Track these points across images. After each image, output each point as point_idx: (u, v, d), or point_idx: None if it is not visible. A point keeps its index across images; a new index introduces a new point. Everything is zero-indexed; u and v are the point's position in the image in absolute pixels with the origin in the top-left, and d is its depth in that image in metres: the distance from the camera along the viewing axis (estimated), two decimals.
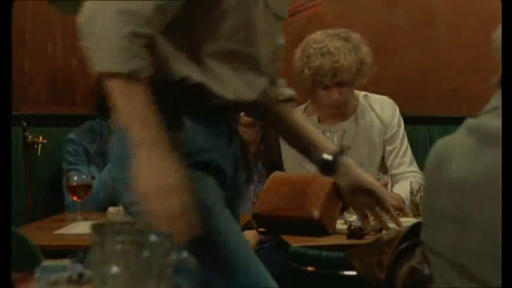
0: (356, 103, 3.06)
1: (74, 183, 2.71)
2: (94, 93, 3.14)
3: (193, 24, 1.53)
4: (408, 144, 3.11)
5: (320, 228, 2.32)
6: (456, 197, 1.24)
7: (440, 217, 1.27)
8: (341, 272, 2.07)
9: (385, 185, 2.20)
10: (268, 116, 1.88)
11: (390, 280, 1.54)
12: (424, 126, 3.53)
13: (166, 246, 1.01)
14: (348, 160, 1.87)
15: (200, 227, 1.39)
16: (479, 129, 1.27)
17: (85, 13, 1.44)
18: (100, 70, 1.45)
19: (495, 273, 1.14)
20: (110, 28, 1.40)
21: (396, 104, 3.15)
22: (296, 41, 2.97)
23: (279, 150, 3.10)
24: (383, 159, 3.10)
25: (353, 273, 1.98)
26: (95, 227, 1.01)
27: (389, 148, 3.09)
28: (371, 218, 2.05)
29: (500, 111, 1.23)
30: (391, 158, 3.08)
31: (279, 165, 3.06)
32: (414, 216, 2.54)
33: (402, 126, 3.12)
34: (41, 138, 3.31)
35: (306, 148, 1.88)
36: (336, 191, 2.34)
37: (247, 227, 2.52)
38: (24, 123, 3.33)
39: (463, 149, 1.27)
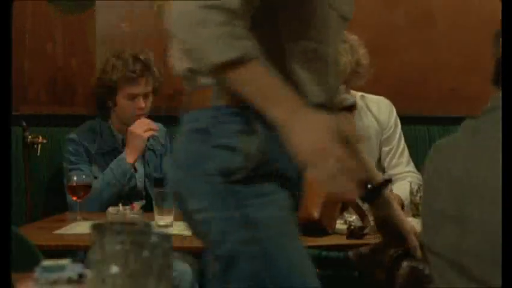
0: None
1: (74, 183, 2.71)
2: (94, 93, 3.14)
3: (276, 24, 1.46)
4: (405, 145, 3.12)
5: (320, 228, 2.32)
6: (456, 197, 1.24)
7: (439, 217, 1.27)
8: (340, 272, 2.07)
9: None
10: None
11: (390, 280, 1.54)
12: (424, 126, 3.53)
13: (165, 246, 1.01)
14: (389, 194, 1.78)
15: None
16: (478, 130, 1.27)
17: (176, 20, 1.40)
18: (211, 64, 1.36)
19: (495, 273, 1.14)
20: (205, 22, 1.33)
21: (396, 104, 3.15)
22: None
23: None
24: (379, 160, 3.10)
25: (353, 273, 1.99)
26: (95, 227, 1.01)
27: (386, 149, 3.09)
28: (370, 218, 2.05)
29: (499, 111, 1.23)
30: (388, 158, 3.08)
31: None
32: (414, 216, 2.54)
33: (399, 126, 3.12)
34: (40, 138, 3.31)
35: None
36: None
37: None
38: (24, 123, 3.33)
39: (462, 149, 1.27)
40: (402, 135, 3.11)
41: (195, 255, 2.60)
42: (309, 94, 1.47)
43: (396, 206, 1.71)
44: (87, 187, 2.73)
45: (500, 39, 1.30)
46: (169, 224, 2.48)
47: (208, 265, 1.53)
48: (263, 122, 1.39)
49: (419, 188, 2.61)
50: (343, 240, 2.25)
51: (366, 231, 2.19)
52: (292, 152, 1.32)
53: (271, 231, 1.39)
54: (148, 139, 3.16)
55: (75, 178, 2.73)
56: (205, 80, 1.46)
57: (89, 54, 3.62)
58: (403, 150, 3.09)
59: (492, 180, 1.18)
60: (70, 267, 1.18)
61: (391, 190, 2.84)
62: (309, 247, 2.17)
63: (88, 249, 1.01)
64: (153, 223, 2.39)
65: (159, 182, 3.16)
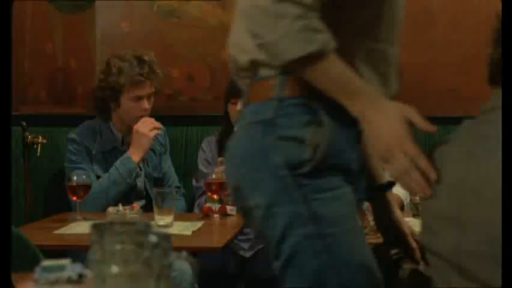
0: None
1: (74, 183, 2.71)
2: (96, 95, 3.13)
3: (342, 21, 1.43)
4: None
5: None
6: (455, 198, 1.24)
7: (439, 218, 1.27)
8: None
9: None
10: None
11: (390, 281, 1.53)
12: None
13: (165, 246, 1.01)
14: (389, 194, 1.77)
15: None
16: (478, 130, 1.27)
17: (248, 13, 1.39)
18: (290, 58, 1.35)
19: (495, 273, 1.14)
20: (281, 16, 1.32)
21: None
22: None
23: None
24: None
25: None
26: (95, 227, 1.01)
27: None
28: (370, 218, 2.05)
29: (498, 111, 1.23)
30: None
31: None
32: (414, 216, 2.54)
33: None
34: (40, 138, 3.31)
35: None
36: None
37: None
38: (24, 123, 3.33)
39: (461, 149, 1.27)
40: None
41: (195, 255, 2.60)
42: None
43: (396, 207, 1.71)
44: (87, 187, 2.73)
45: (496, 39, 1.31)
46: (169, 223, 2.48)
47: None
48: (329, 113, 1.38)
49: None
50: None
51: (366, 231, 2.19)
52: (370, 145, 1.33)
53: (337, 227, 1.38)
54: (152, 147, 3.17)
55: (75, 178, 2.72)
56: (266, 72, 1.44)
57: (89, 54, 3.62)
58: None
59: (492, 181, 1.18)
60: (70, 267, 1.18)
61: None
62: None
63: (88, 249, 1.01)
64: (153, 223, 2.39)
65: (159, 182, 3.16)
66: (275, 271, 1.45)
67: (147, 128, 3.02)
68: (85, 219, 2.64)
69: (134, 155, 3.02)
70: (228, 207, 2.82)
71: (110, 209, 2.64)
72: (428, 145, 1.35)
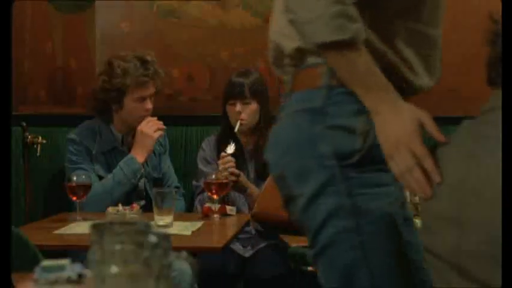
0: None
1: (74, 184, 2.71)
2: (98, 96, 3.12)
3: (386, 3, 1.41)
4: None
5: None
6: (455, 198, 1.24)
7: (439, 219, 1.27)
8: None
9: None
10: None
11: None
12: None
13: (165, 246, 1.01)
14: None
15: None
16: (477, 130, 1.27)
17: None
18: (315, 42, 1.33)
19: (495, 274, 1.14)
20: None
21: None
22: None
23: None
24: None
25: None
26: (94, 227, 1.01)
27: None
28: None
29: (498, 111, 1.23)
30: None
31: (267, 167, 3.09)
32: (413, 216, 2.53)
33: None
34: (40, 138, 3.31)
35: None
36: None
37: None
38: (24, 123, 3.33)
39: (461, 150, 1.27)
40: None
41: (194, 255, 2.60)
42: (416, 77, 1.45)
43: None
44: (87, 187, 2.73)
45: (491, 39, 1.31)
46: (169, 224, 2.48)
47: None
48: None
49: None
50: None
51: None
52: (379, 140, 1.31)
53: (376, 225, 1.36)
54: None
55: (74, 178, 2.72)
56: (314, 59, 1.42)
57: (89, 54, 3.62)
58: None
59: (492, 181, 1.18)
60: (70, 267, 1.18)
61: None
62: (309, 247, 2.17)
63: (87, 250, 1.01)
64: (153, 223, 2.39)
65: (158, 182, 3.16)
66: (309, 260, 1.45)
67: (151, 128, 3.02)
68: (84, 219, 2.64)
69: (138, 155, 3.02)
70: (228, 207, 2.82)
71: (110, 209, 2.64)
72: (428, 145, 1.35)
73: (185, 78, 3.62)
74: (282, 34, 1.48)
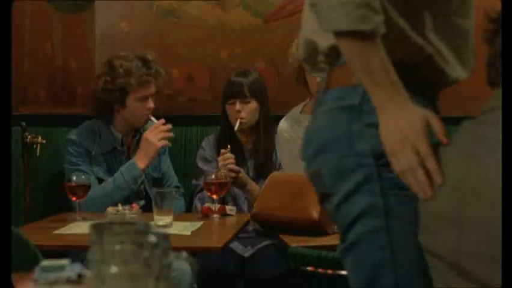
0: None
1: (73, 184, 2.71)
2: (99, 97, 3.11)
3: None
4: None
5: (319, 228, 2.32)
6: (455, 198, 1.24)
7: (439, 219, 1.26)
8: (339, 272, 2.07)
9: None
10: None
11: None
12: None
13: (165, 246, 1.01)
14: None
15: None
16: (477, 130, 1.27)
17: None
18: (335, 29, 1.33)
19: (495, 274, 1.14)
20: None
21: None
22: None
23: (267, 152, 3.13)
24: None
25: None
26: (94, 227, 1.01)
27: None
28: None
29: (498, 111, 1.23)
30: None
31: (266, 165, 3.09)
32: None
33: None
34: (40, 138, 3.31)
35: None
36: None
37: None
38: (24, 124, 3.33)
39: (461, 150, 1.27)
40: None
41: (194, 255, 2.60)
42: (450, 69, 1.44)
43: None
44: (86, 187, 2.73)
45: (487, 38, 1.31)
46: (168, 224, 2.48)
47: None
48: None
49: None
50: None
51: None
52: (382, 136, 1.31)
53: (405, 227, 1.35)
54: None
55: (74, 178, 2.72)
56: None
57: (89, 54, 3.62)
58: None
59: (491, 181, 1.17)
60: (69, 268, 1.18)
61: None
62: (309, 247, 2.17)
63: (87, 250, 1.01)
64: (152, 223, 2.39)
65: (158, 182, 3.16)
66: (337, 255, 1.46)
67: (156, 136, 3.02)
68: (84, 219, 2.65)
69: (140, 161, 3.02)
70: (228, 207, 2.82)
71: (110, 209, 2.64)
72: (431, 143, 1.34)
73: (185, 78, 3.62)
74: (315, 32, 1.47)
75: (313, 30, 1.48)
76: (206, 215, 2.74)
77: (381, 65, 1.31)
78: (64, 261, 1.19)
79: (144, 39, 3.57)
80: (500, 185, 1.15)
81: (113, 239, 0.99)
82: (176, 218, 2.56)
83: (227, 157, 2.99)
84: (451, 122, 1.88)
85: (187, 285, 2.54)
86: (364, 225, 1.39)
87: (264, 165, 3.14)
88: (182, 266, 2.45)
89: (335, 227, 2.37)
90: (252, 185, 3.06)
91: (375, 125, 1.34)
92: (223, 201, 2.95)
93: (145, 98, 3.05)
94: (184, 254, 1.07)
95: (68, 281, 1.16)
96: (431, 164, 1.28)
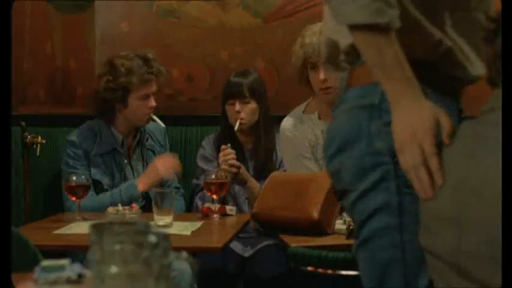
0: None
1: (73, 184, 2.71)
2: (99, 96, 3.11)
3: None
4: None
5: (319, 228, 2.32)
6: (455, 199, 1.24)
7: (439, 219, 1.26)
8: (340, 272, 2.07)
9: None
10: None
11: None
12: None
13: (165, 246, 1.01)
14: None
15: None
16: (477, 131, 1.26)
17: None
18: (350, 23, 1.34)
19: (495, 274, 1.14)
20: None
21: None
22: (295, 41, 2.98)
23: (267, 152, 3.13)
24: None
25: (352, 272, 1.99)
26: (94, 227, 1.01)
27: None
28: None
29: (498, 111, 1.23)
30: None
31: (267, 165, 3.10)
32: None
33: None
34: (40, 138, 3.31)
35: None
36: (335, 192, 2.34)
37: None
38: (23, 123, 3.33)
39: (461, 150, 1.27)
40: None
41: (194, 255, 2.60)
42: (471, 66, 1.44)
43: None
44: (86, 187, 2.73)
45: (485, 38, 1.31)
46: (168, 224, 2.48)
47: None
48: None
49: None
50: (342, 240, 2.25)
51: None
52: (394, 130, 1.31)
53: (417, 226, 1.35)
54: (147, 139, 3.18)
55: (74, 178, 2.72)
56: None
57: (89, 54, 3.62)
58: None
59: (491, 181, 1.17)
60: (69, 268, 1.18)
61: None
62: (309, 247, 2.17)
63: (87, 250, 1.01)
64: (152, 223, 2.39)
65: (158, 182, 3.16)
66: (353, 251, 1.47)
67: (163, 165, 3.04)
68: (84, 219, 2.65)
69: (141, 183, 3.02)
70: (228, 207, 2.82)
71: (110, 209, 2.64)
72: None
73: (185, 78, 3.62)
74: (336, 30, 1.48)
75: (334, 29, 1.49)
76: (206, 215, 2.74)
77: (395, 59, 1.32)
78: (64, 261, 1.19)
79: (144, 39, 3.57)
80: (500, 185, 1.15)
81: (113, 239, 0.99)
82: (176, 218, 2.56)
83: (228, 152, 2.99)
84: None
85: (187, 285, 2.54)
86: (378, 221, 1.40)
87: (264, 165, 3.14)
88: (182, 266, 2.45)
89: (335, 227, 2.37)
90: (253, 182, 3.07)
91: None
92: (223, 201, 2.95)
93: (146, 97, 3.05)
94: (184, 254, 1.07)
95: (68, 281, 1.16)
96: (434, 163, 1.28)
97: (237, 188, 3.12)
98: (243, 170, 3.03)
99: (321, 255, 2.09)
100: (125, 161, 3.10)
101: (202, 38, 3.59)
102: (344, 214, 2.41)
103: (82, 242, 2.24)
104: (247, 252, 3.05)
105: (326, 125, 2.91)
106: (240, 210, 3.03)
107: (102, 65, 3.15)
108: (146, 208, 2.89)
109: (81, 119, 3.23)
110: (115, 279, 0.98)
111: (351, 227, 2.25)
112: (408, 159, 1.31)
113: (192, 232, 2.44)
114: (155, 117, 3.10)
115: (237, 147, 3.10)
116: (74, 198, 2.71)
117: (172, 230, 2.41)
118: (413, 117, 1.31)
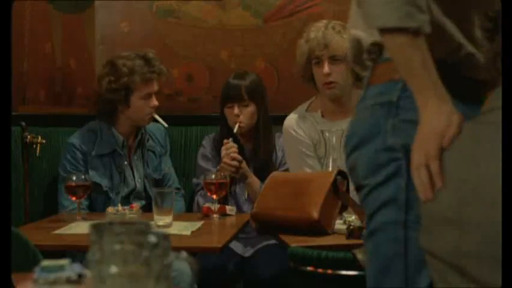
0: (358, 100, 3.05)
1: (73, 184, 2.71)
2: (101, 97, 3.11)
3: None
4: None
5: (319, 228, 2.32)
6: (455, 199, 1.24)
7: (439, 220, 1.26)
8: (340, 272, 2.07)
9: None
10: None
11: None
12: None
13: (165, 246, 1.01)
14: None
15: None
16: (477, 131, 1.26)
17: None
18: (380, 26, 1.35)
19: (495, 274, 1.14)
20: None
21: None
22: (295, 41, 2.98)
23: (267, 153, 3.13)
24: None
25: (353, 272, 1.98)
26: (94, 227, 1.01)
27: None
28: None
29: (497, 111, 1.23)
30: None
31: (267, 166, 3.10)
32: None
33: None
34: (40, 138, 3.31)
35: None
36: (335, 191, 2.34)
37: None
38: (23, 123, 3.33)
39: (461, 150, 1.27)
40: None
41: (194, 255, 2.60)
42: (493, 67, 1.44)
43: None
44: (86, 187, 2.73)
45: (488, 37, 1.31)
46: (168, 224, 2.48)
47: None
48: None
49: None
50: (342, 241, 2.25)
51: None
52: (419, 129, 1.32)
53: (421, 225, 1.36)
54: (148, 140, 3.17)
55: (74, 178, 2.72)
56: None
57: (89, 54, 3.62)
58: None
59: (492, 181, 1.17)
60: (69, 268, 1.18)
61: None
62: (309, 247, 2.17)
63: (87, 250, 1.01)
64: (152, 223, 2.39)
65: (159, 183, 3.16)
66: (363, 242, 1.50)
67: None
68: (84, 219, 2.65)
69: None
70: (228, 207, 2.82)
71: (110, 209, 2.64)
72: None
73: (185, 78, 3.62)
74: (360, 30, 1.50)
75: (355, 27, 1.52)
76: (206, 215, 2.74)
77: (423, 64, 1.33)
78: (64, 261, 1.19)
79: (144, 39, 3.57)
80: (500, 185, 1.15)
81: (113, 239, 0.99)
82: (176, 218, 2.56)
83: (230, 146, 3.00)
84: None
85: (187, 285, 2.54)
86: (384, 215, 1.43)
87: (264, 165, 3.14)
88: (182, 266, 2.45)
89: (335, 227, 2.37)
90: (253, 178, 3.07)
91: (410, 121, 1.37)
92: (223, 201, 2.95)
93: (148, 96, 3.06)
94: (184, 254, 1.07)
95: (68, 281, 1.16)
96: (434, 166, 1.30)
97: (237, 188, 3.12)
98: (244, 164, 3.03)
99: (321, 255, 2.09)
100: (125, 162, 3.10)
101: (202, 38, 3.59)
102: (344, 214, 2.41)
103: (81, 242, 2.24)
104: (247, 252, 3.05)
105: (329, 123, 2.93)
106: (240, 210, 3.03)
107: (102, 65, 3.15)
108: (146, 208, 2.89)
109: (81, 119, 3.23)
110: (115, 279, 0.98)
111: (351, 227, 2.25)
112: (415, 159, 1.33)
113: (192, 232, 2.44)
114: (157, 117, 3.10)
115: (237, 148, 3.10)
116: (74, 198, 2.71)
117: (172, 230, 2.41)
118: (434, 121, 1.32)
